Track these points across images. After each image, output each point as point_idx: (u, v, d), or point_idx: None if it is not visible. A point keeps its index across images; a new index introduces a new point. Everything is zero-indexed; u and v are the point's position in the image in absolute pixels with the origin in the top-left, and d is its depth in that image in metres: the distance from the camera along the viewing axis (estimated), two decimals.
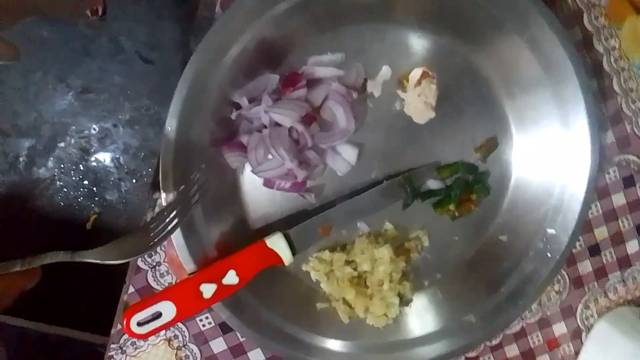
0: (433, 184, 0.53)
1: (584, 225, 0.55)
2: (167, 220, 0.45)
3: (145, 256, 0.52)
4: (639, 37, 0.55)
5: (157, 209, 0.51)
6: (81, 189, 1.22)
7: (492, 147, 0.53)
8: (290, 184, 0.50)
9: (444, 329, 0.53)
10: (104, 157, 1.21)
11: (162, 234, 0.44)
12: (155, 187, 0.51)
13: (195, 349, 0.55)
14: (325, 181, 0.52)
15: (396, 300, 0.52)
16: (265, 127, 0.49)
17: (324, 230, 0.51)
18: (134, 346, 0.54)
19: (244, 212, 0.52)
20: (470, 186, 0.53)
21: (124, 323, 0.45)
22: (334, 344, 0.52)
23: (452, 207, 0.53)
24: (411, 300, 0.54)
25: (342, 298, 0.53)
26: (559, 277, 0.59)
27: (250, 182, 0.51)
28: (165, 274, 0.53)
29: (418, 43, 0.51)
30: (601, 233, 0.58)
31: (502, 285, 0.53)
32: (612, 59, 0.55)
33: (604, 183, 0.57)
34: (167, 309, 0.46)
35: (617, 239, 0.59)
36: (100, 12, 1.13)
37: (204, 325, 0.54)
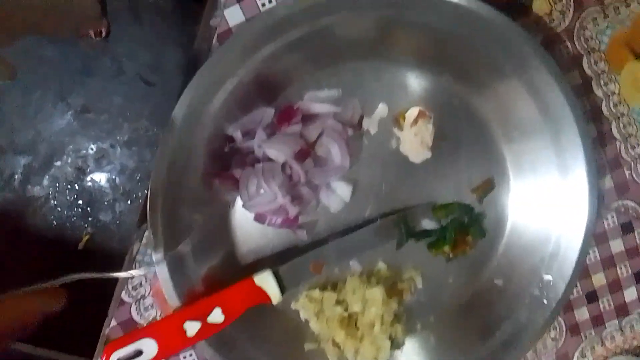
0: (428, 224, 0.52)
1: (582, 271, 0.53)
2: None
3: (130, 289, 0.51)
4: (639, 83, 0.55)
5: (144, 240, 0.50)
6: (75, 209, 1.20)
7: (488, 189, 0.52)
8: (282, 220, 0.49)
9: None
10: (100, 178, 1.20)
11: None
12: (143, 217, 0.50)
13: None
14: (318, 217, 0.51)
15: (387, 344, 0.50)
16: (258, 161, 0.48)
17: (315, 267, 0.50)
18: None
19: (234, 247, 0.51)
20: (466, 227, 0.52)
21: None
22: None
23: (447, 248, 0.52)
24: (403, 344, 0.52)
25: (332, 339, 0.51)
26: (555, 324, 0.57)
27: (242, 217, 0.50)
28: (149, 307, 0.51)
29: (416, 82, 0.51)
30: (599, 280, 0.57)
31: (497, 331, 0.51)
32: (612, 104, 0.55)
33: (602, 229, 0.56)
34: (149, 346, 0.44)
35: (615, 286, 0.58)
36: (104, 34, 1.14)
37: None
